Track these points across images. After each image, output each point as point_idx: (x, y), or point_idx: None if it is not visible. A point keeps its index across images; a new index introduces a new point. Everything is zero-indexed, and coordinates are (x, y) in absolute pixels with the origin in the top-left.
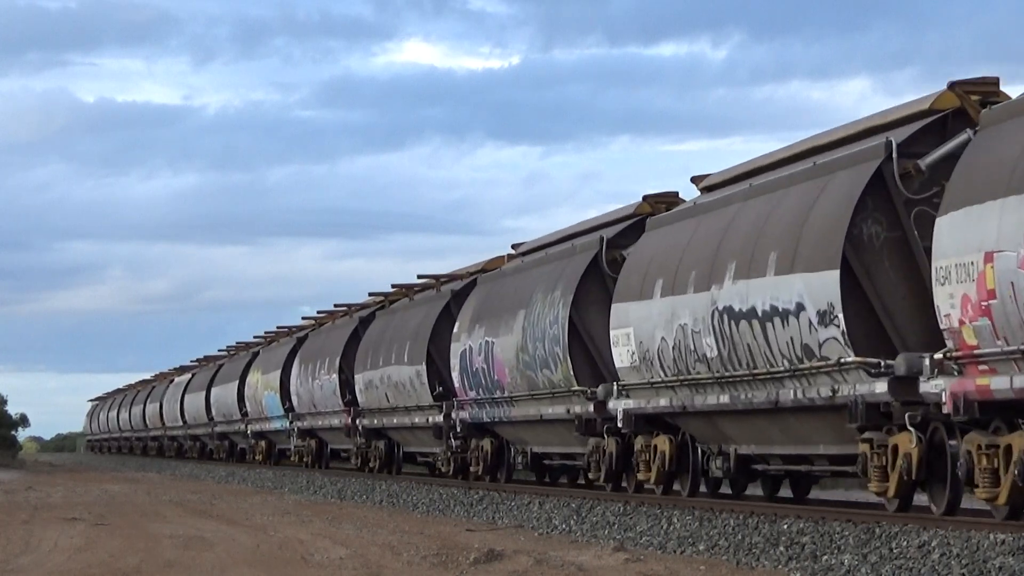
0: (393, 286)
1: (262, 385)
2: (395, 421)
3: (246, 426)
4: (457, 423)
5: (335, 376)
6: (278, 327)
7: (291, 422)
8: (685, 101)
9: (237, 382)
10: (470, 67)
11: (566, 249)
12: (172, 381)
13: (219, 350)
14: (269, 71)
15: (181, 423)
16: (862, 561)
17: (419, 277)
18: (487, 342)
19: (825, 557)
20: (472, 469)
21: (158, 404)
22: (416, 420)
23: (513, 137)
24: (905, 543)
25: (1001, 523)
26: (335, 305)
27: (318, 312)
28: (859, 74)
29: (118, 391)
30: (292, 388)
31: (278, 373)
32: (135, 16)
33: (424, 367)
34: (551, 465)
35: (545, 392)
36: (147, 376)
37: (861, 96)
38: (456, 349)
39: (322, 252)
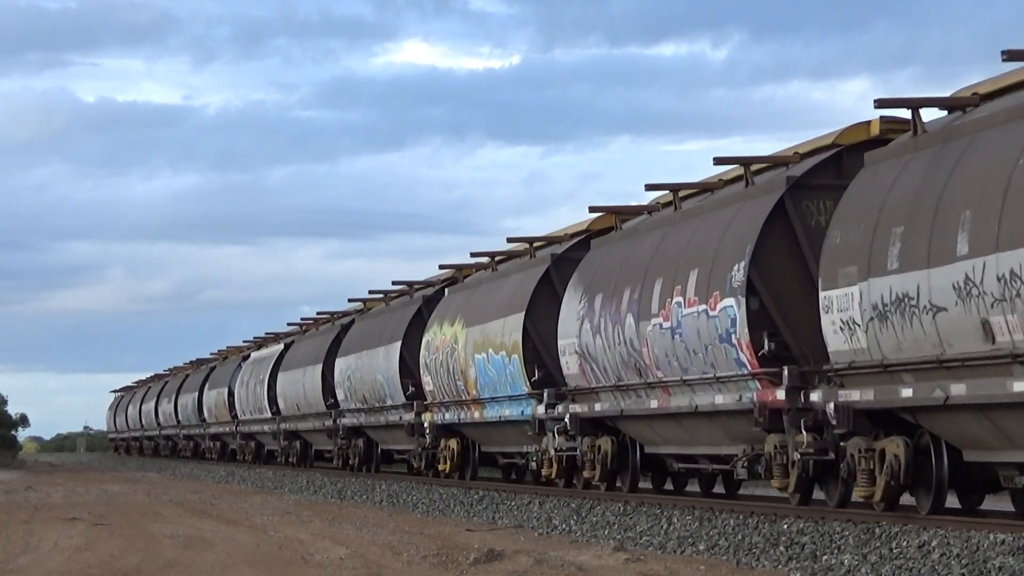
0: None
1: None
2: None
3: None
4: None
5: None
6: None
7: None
8: (685, 101)
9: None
10: (470, 67)
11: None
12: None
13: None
14: (269, 71)
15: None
16: (862, 561)
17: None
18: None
19: (825, 557)
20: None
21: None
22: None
23: (513, 137)
24: (905, 543)
25: (1001, 523)
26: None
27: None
28: (859, 74)
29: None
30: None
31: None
32: (135, 16)
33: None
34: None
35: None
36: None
37: (861, 96)
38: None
39: (322, 252)
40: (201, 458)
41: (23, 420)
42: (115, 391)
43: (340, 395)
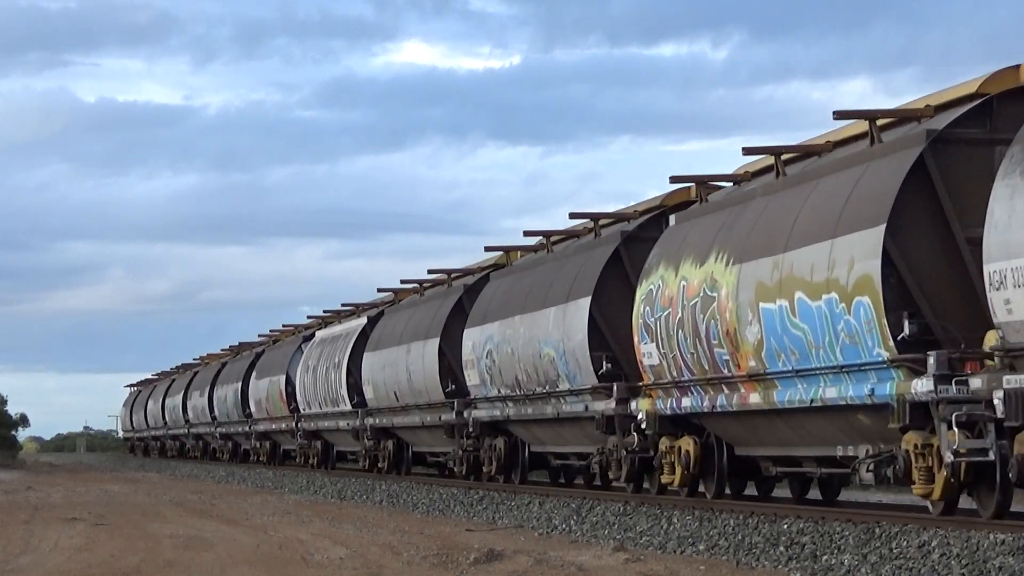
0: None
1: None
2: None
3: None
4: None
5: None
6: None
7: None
8: (685, 101)
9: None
10: (471, 67)
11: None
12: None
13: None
14: (270, 71)
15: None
16: (862, 561)
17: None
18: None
19: (825, 557)
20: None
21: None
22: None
23: (513, 137)
24: (905, 543)
25: (1001, 523)
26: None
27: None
28: (859, 74)
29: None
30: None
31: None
32: (136, 16)
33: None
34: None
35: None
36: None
37: (861, 96)
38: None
39: (322, 252)
40: (242, 460)
41: (23, 420)
42: (130, 385)
43: (474, 379)
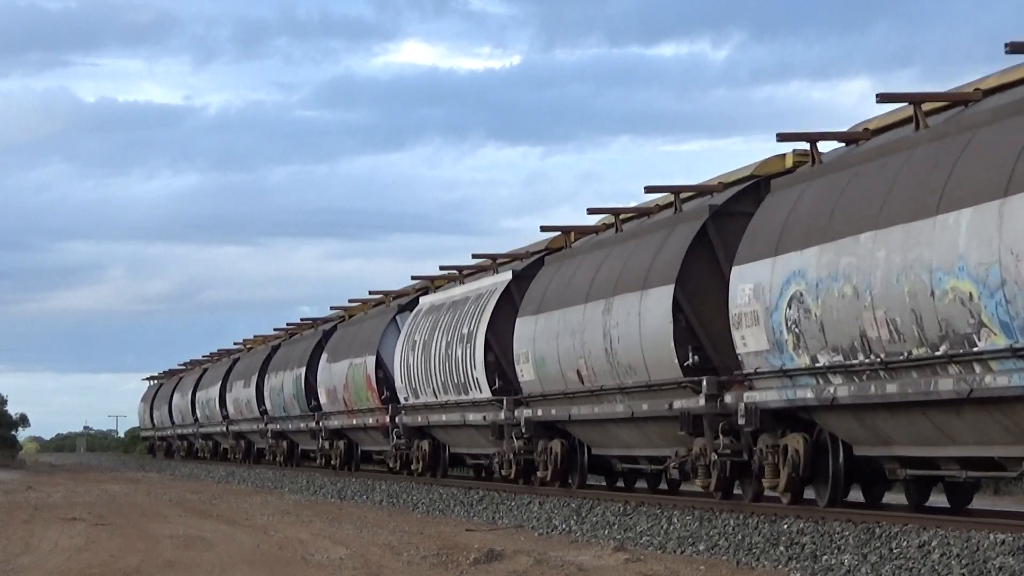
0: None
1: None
2: (443, 419)
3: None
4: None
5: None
6: (302, 319)
7: (317, 422)
8: (686, 101)
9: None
10: (471, 67)
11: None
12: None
13: (275, 328)
14: (270, 71)
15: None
16: (862, 561)
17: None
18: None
19: (825, 557)
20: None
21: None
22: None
23: (513, 137)
24: (905, 543)
25: (1001, 523)
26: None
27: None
28: (860, 74)
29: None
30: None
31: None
32: (136, 16)
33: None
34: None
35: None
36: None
37: (862, 96)
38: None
39: (322, 252)
40: (300, 463)
41: (23, 420)
42: (150, 378)
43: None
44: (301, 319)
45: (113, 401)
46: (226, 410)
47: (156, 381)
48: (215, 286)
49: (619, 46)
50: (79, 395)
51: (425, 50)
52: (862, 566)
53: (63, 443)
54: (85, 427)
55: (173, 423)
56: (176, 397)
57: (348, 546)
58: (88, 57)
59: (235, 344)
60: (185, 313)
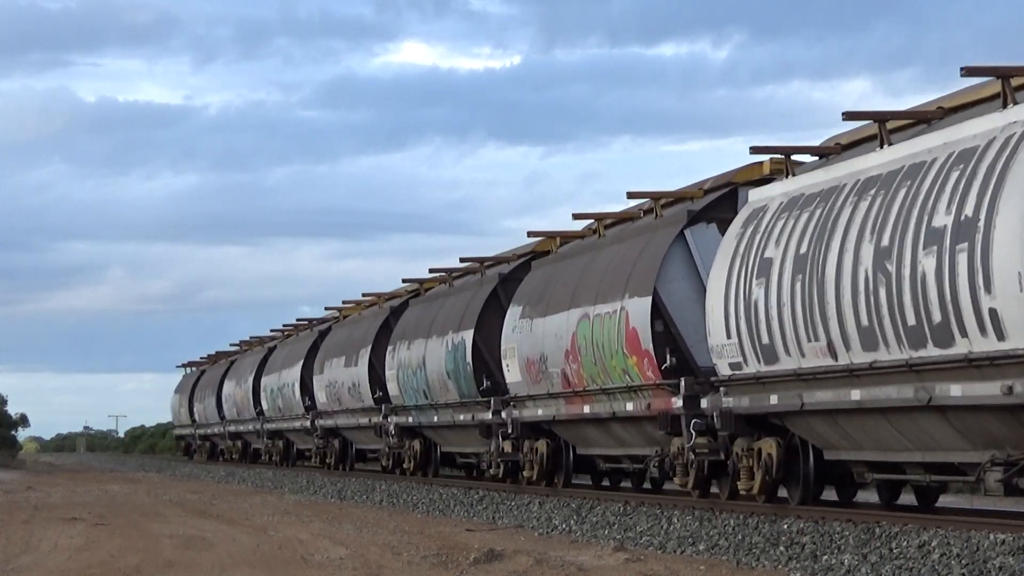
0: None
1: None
2: (434, 419)
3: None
4: (509, 422)
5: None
6: (298, 319)
7: (312, 421)
8: (686, 101)
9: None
10: (471, 67)
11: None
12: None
13: (279, 327)
14: (270, 71)
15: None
16: (862, 561)
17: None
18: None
19: (825, 557)
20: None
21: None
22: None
23: (514, 137)
24: (905, 543)
25: (1001, 523)
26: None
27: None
28: (860, 74)
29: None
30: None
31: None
32: (136, 16)
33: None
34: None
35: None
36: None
37: (862, 96)
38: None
39: (322, 252)
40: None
41: (23, 420)
42: (186, 365)
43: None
44: (297, 319)
45: (113, 401)
46: (306, 400)
47: (196, 369)
48: (215, 286)
49: (619, 46)
50: (79, 395)
51: (425, 50)
52: (862, 566)
53: (63, 443)
54: (85, 427)
55: (224, 419)
56: (227, 387)
57: (348, 546)
58: (88, 57)
59: (298, 320)
60: (185, 313)
